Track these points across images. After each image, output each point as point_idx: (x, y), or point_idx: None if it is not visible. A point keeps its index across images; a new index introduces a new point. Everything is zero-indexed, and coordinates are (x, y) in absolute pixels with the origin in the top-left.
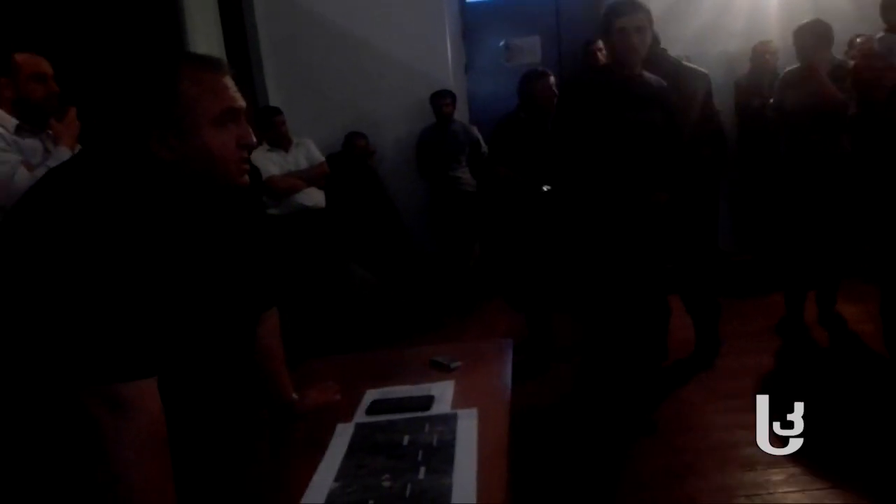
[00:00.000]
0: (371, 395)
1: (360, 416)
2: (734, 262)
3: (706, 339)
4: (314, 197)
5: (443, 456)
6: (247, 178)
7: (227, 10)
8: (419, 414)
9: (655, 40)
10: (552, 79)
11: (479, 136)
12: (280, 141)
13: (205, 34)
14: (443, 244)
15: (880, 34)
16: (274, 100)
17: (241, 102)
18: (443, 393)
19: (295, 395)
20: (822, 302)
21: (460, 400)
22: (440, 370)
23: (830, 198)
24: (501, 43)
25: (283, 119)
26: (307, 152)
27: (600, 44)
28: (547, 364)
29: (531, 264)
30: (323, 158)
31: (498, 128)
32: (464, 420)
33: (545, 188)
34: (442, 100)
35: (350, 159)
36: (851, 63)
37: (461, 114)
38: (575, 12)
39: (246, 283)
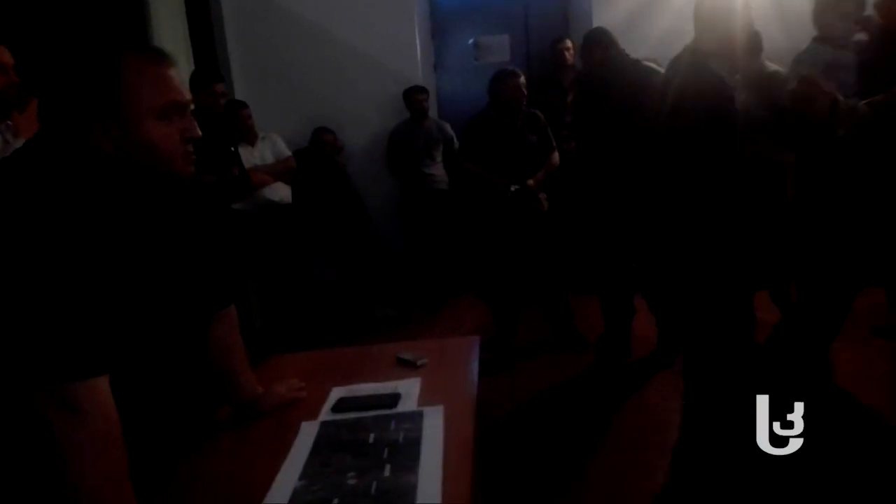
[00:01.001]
0: (337, 392)
1: (326, 414)
2: None
3: (669, 338)
4: (280, 192)
5: (409, 454)
6: (193, 168)
7: (192, 2)
8: (385, 412)
9: (611, 44)
10: (522, 79)
11: (453, 134)
12: (246, 135)
13: (170, 26)
14: (413, 241)
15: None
16: (240, 93)
17: (187, 95)
18: (409, 390)
19: (260, 390)
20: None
21: (427, 397)
22: (407, 367)
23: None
24: (471, 41)
25: (249, 113)
26: (273, 147)
27: (568, 43)
28: (514, 361)
29: (500, 260)
30: (290, 153)
31: (468, 125)
32: (430, 417)
33: (513, 188)
34: (416, 95)
35: (317, 155)
36: None
37: (431, 111)
38: (544, 12)
39: (198, 279)
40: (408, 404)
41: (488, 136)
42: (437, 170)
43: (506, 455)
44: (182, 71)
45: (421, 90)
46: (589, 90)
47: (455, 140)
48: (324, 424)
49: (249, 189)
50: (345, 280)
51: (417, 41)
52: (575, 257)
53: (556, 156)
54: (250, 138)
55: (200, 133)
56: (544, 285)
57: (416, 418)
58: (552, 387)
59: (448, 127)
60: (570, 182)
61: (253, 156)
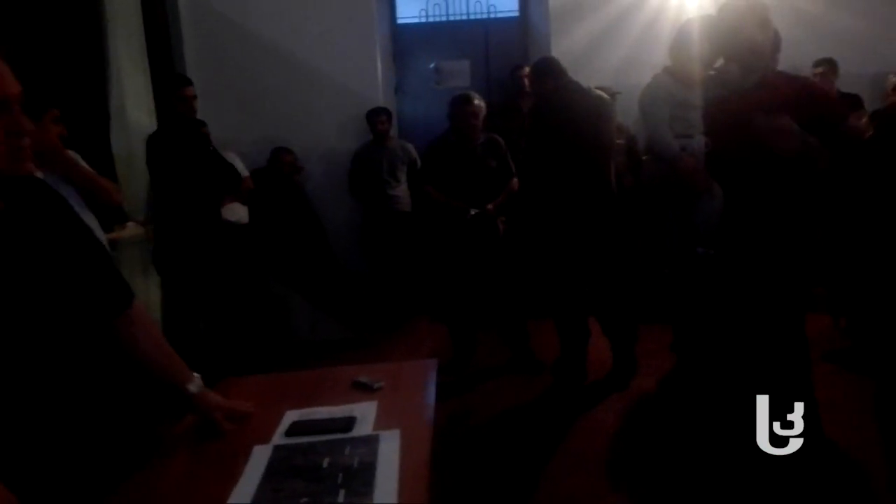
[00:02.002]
0: (291, 416)
1: (279, 438)
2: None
3: (623, 361)
4: (237, 212)
5: (363, 478)
6: (29, 165)
7: (151, 19)
8: (340, 436)
9: (562, 74)
10: (477, 103)
11: (416, 155)
12: None
13: (126, 41)
14: (374, 263)
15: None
16: (198, 111)
17: (12, 89)
18: (365, 414)
19: (193, 388)
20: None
21: (383, 421)
22: (363, 391)
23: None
24: (431, 66)
25: (206, 131)
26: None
27: (528, 70)
28: (472, 384)
29: (458, 283)
30: (247, 173)
31: (428, 149)
32: (386, 442)
33: (472, 212)
34: (377, 117)
35: (276, 175)
36: None
37: (392, 134)
38: (503, 39)
39: (67, 284)
40: (363, 428)
41: (448, 160)
42: (401, 191)
43: (462, 478)
44: (139, 86)
45: (381, 111)
46: (542, 118)
47: (418, 161)
48: (277, 448)
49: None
50: (300, 301)
51: (379, 64)
52: (532, 281)
53: (515, 181)
54: None
55: (29, 126)
56: (503, 308)
57: (371, 442)
58: (509, 410)
59: (412, 148)
60: (526, 207)
61: None
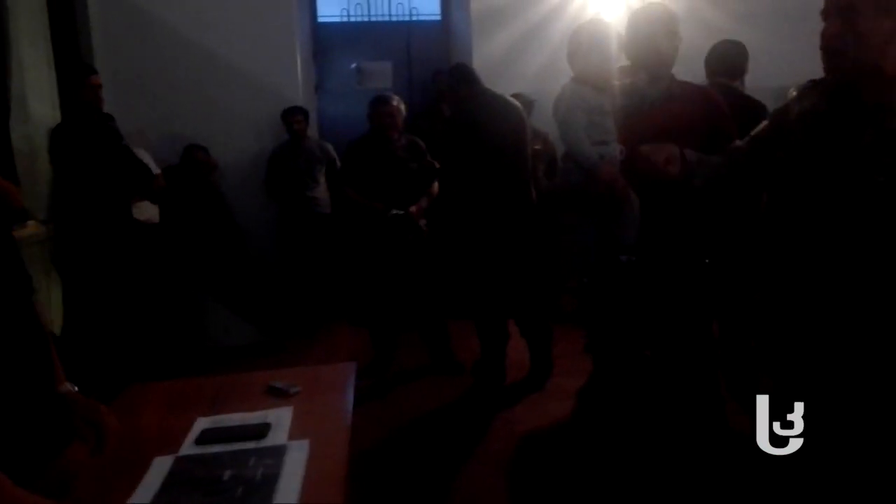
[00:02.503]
0: (202, 423)
1: (189, 447)
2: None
3: (540, 362)
4: (147, 211)
5: (263, 492)
6: None
7: (55, 5)
8: (249, 445)
9: (476, 81)
10: (395, 104)
11: (336, 155)
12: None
13: (28, 28)
14: (292, 265)
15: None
16: (107, 105)
17: None
18: (280, 420)
19: (70, 387)
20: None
21: (299, 427)
22: (278, 396)
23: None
24: (353, 66)
25: (114, 126)
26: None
27: None
28: (391, 387)
29: (378, 285)
30: (159, 170)
31: (348, 149)
32: (293, 453)
33: (394, 212)
34: (293, 116)
35: (189, 173)
36: None
37: (311, 134)
38: (426, 41)
39: None
40: (278, 435)
41: (368, 162)
42: (320, 192)
43: (380, 481)
44: (42, 76)
45: (299, 111)
46: (456, 125)
47: (338, 161)
48: (178, 460)
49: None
50: (212, 303)
51: (299, 62)
52: (452, 283)
53: (436, 184)
54: None
55: None
56: (424, 310)
57: (278, 453)
58: (429, 411)
59: (331, 148)
60: (446, 210)
61: None
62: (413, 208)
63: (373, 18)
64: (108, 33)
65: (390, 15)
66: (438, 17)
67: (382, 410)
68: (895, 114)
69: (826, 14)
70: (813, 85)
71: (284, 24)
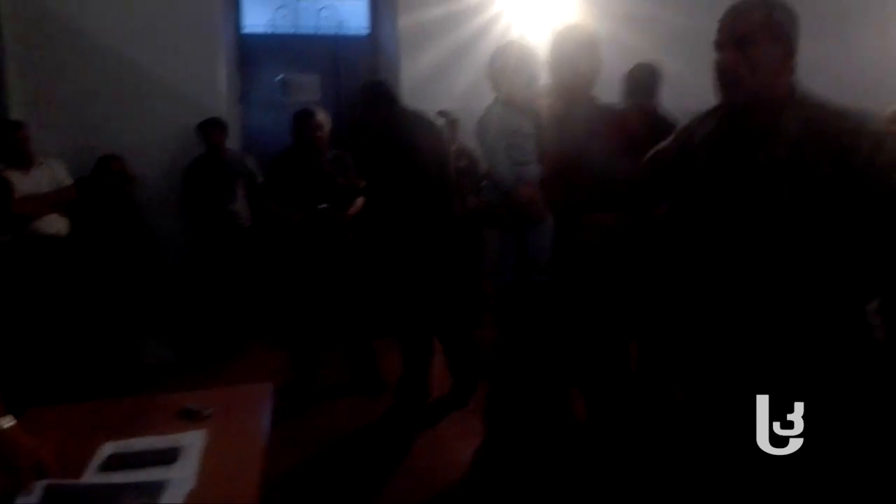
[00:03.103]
0: (108, 448)
1: (94, 473)
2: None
3: (463, 379)
4: (55, 224)
5: None
6: None
7: None
8: (155, 473)
9: (395, 99)
10: (319, 117)
11: (256, 168)
12: (20, 159)
13: None
14: (210, 282)
15: (497, 108)
16: (17, 112)
17: None
18: (192, 444)
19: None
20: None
21: (212, 450)
22: (192, 419)
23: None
24: (279, 78)
25: (25, 135)
26: (52, 174)
27: None
28: (312, 407)
29: (300, 302)
30: (71, 181)
31: (272, 164)
32: (174, 490)
33: (322, 206)
34: (210, 129)
35: (103, 184)
36: None
37: (235, 146)
38: (354, 55)
39: None
40: (189, 459)
41: (292, 176)
42: (240, 206)
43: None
44: None
45: (214, 123)
46: (377, 142)
47: (257, 173)
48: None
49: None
50: (125, 321)
51: (223, 73)
52: (376, 300)
53: (361, 199)
54: (25, 163)
55: None
56: (348, 328)
57: (153, 490)
58: (350, 432)
59: (251, 160)
60: (370, 226)
61: (26, 183)
62: (343, 213)
63: (300, 31)
64: (22, 40)
65: (318, 28)
66: (367, 32)
67: (302, 431)
68: (783, 139)
69: (720, 45)
70: (713, 111)
71: (208, 34)
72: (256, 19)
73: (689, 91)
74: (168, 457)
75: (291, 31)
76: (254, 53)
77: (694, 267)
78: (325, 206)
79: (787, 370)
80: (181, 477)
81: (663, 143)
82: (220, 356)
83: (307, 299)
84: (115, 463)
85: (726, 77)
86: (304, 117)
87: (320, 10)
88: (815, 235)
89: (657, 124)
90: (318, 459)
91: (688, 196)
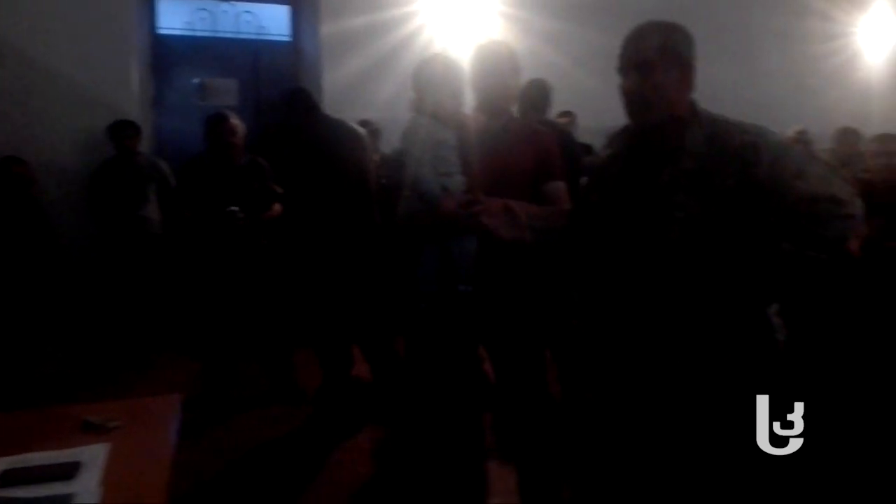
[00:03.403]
0: (2, 463)
1: None
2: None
3: (383, 385)
4: None
5: None
6: None
7: None
8: (55, 489)
9: (313, 105)
10: (232, 121)
11: (168, 172)
12: None
13: None
14: (120, 290)
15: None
16: None
17: None
18: (94, 459)
19: None
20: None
21: (116, 465)
22: (94, 432)
23: None
24: (196, 81)
25: None
26: None
27: None
28: (225, 418)
29: (215, 310)
30: None
31: (185, 169)
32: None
33: (234, 208)
34: (121, 131)
35: (3, 188)
36: None
37: (147, 149)
38: (275, 61)
39: None
40: (90, 475)
41: (206, 182)
42: (152, 212)
43: None
44: None
45: (128, 126)
46: (296, 148)
47: (170, 178)
48: None
49: None
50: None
51: (136, 74)
52: (295, 309)
53: (277, 206)
54: None
55: None
56: (265, 338)
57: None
58: (267, 443)
59: (164, 165)
60: (288, 233)
61: None
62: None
63: (218, 34)
64: None
65: (238, 32)
66: (288, 38)
67: (214, 444)
68: (689, 155)
69: (623, 70)
70: (620, 131)
71: (121, 34)
72: (173, 20)
73: (607, 107)
74: (67, 471)
75: (210, 34)
76: (169, 55)
77: (601, 276)
78: (234, 209)
79: (694, 371)
80: (83, 491)
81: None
82: (130, 367)
83: (220, 308)
84: (11, 479)
85: (632, 101)
86: (216, 121)
87: (240, 13)
88: (721, 245)
89: (563, 141)
90: (236, 471)
91: (599, 219)
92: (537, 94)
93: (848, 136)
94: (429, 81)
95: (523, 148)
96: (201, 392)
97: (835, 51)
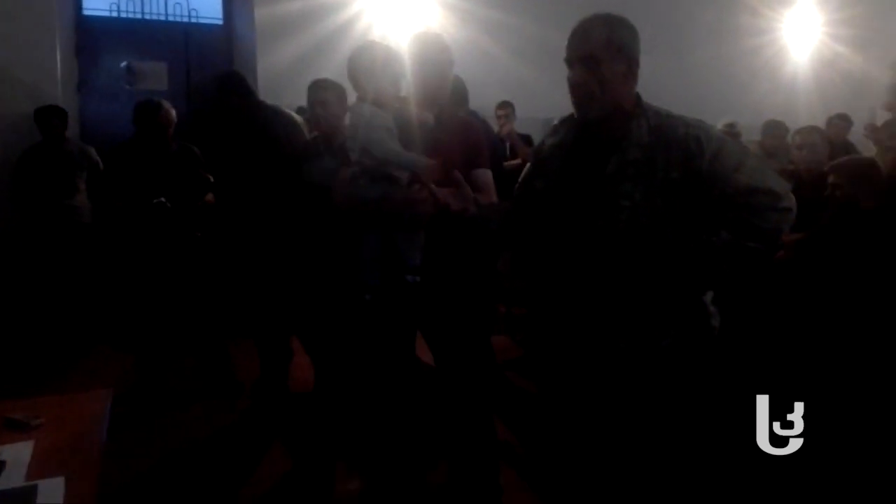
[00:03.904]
0: None
1: None
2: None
3: (325, 379)
4: None
5: None
6: None
7: None
8: None
9: (248, 91)
10: (165, 108)
11: (98, 159)
12: None
13: None
14: (47, 282)
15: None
16: None
17: None
18: (17, 457)
19: None
20: None
21: (41, 464)
22: (16, 430)
23: None
24: (123, 64)
25: None
26: None
27: None
28: (160, 412)
29: (147, 301)
30: None
31: (112, 155)
32: (46, 493)
33: (161, 199)
34: (48, 117)
35: None
36: None
37: (71, 135)
38: (206, 45)
39: None
40: (14, 475)
41: (136, 169)
42: (81, 201)
43: None
44: None
45: (55, 111)
46: (228, 134)
47: (100, 165)
48: None
49: None
50: None
51: (58, 57)
52: (231, 300)
53: (210, 195)
54: None
55: None
56: (200, 330)
57: (26, 496)
58: (203, 437)
59: (93, 152)
60: (222, 222)
61: None
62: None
63: (147, 16)
64: None
65: (167, 14)
66: (220, 22)
67: (149, 439)
68: (634, 145)
69: (570, 63)
70: (562, 121)
71: (42, 14)
72: (99, 1)
73: (544, 98)
74: None
75: (137, 16)
76: (95, 37)
77: (546, 262)
78: (161, 200)
79: (636, 356)
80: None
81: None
82: (61, 363)
83: (153, 300)
84: None
85: (579, 93)
86: (150, 108)
87: None
88: (663, 234)
89: (487, 131)
90: (170, 466)
91: (543, 206)
92: (461, 89)
93: (775, 128)
94: (368, 68)
95: (454, 138)
96: (135, 386)
97: (763, 45)
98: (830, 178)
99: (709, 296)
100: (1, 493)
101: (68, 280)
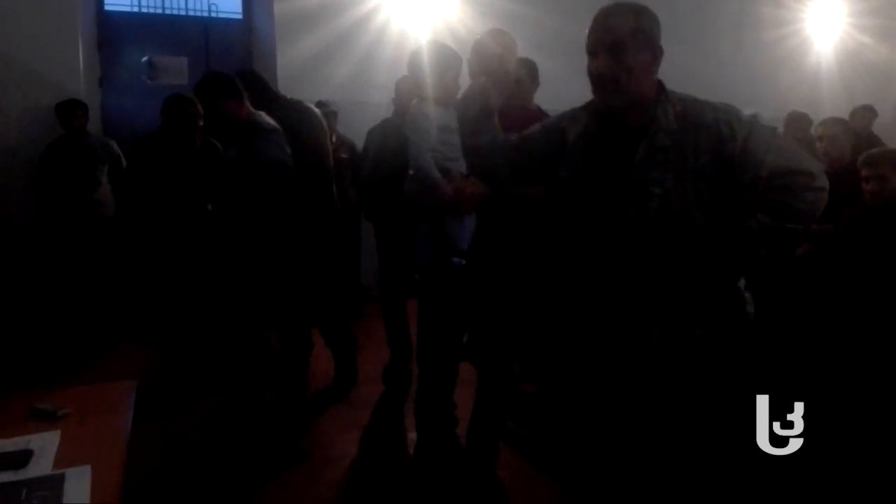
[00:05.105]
0: None
1: None
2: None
3: (344, 371)
4: None
5: None
6: None
7: None
8: (13, 476)
9: (265, 87)
10: (198, 105)
11: (120, 152)
12: None
13: None
14: (71, 276)
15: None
16: None
17: None
18: (44, 447)
19: None
20: None
21: (67, 453)
22: (44, 420)
23: None
24: (144, 59)
25: None
26: None
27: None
28: (180, 406)
29: (171, 294)
30: None
31: (138, 148)
32: (73, 481)
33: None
34: (70, 111)
35: None
36: None
37: (93, 129)
38: (226, 39)
39: None
40: (42, 463)
41: (162, 162)
42: (103, 194)
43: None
44: None
45: (77, 105)
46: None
47: (122, 159)
48: None
49: None
50: None
51: (80, 52)
52: (255, 293)
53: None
54: None
55: None
56: (225, 322)
57: (54, 484)
58: (221, 429)
59: (115, 145)
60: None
61: None
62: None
63: (167, 11)
64: None
65: (187, 9)
66: (240, 16)
67: (173, 430)
68: (662, 131)
69: (593, 52)
70: (581, 109)
71: (65, 10)
72: None
73: (564, 91)
74: (18, 459)
75: (158, 11)
76: (116, 32)
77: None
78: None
79: (670, 347)
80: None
81: (530, 129)
82: (85, 356)
83: (176, 293)
84: None
85: (604, 82)
86: (180, 102)
87: None
88: (695, 220)
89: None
90: (190, 459)
91: (567, 192)
92: (534, 72)
93: (798, 120)
94: (434, 66)
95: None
96: (157, 379)
97: (786, 36)
98: (863, 172)
99: (742, 282)
100: (30, 481)
101: (91, 273)
